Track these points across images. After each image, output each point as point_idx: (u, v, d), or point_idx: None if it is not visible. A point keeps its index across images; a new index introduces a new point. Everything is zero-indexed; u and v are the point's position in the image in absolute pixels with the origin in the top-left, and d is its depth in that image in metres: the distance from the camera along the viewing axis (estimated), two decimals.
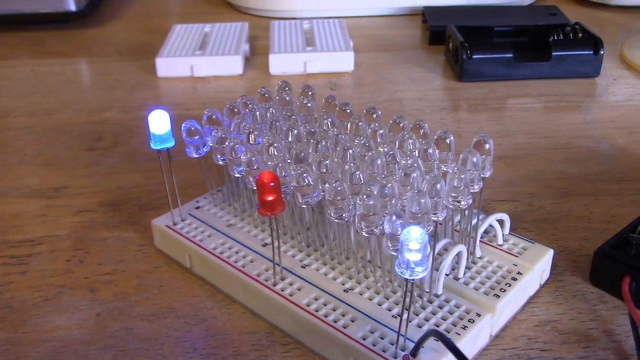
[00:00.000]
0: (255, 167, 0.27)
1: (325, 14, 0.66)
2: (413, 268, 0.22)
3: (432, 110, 0.47)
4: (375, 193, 0.25)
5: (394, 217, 0.23)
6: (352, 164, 0.26)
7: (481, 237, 0.30)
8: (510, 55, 0.50)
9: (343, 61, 0.53)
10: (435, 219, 0.25)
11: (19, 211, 0.37)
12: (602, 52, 0.50)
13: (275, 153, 0.28)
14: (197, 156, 0.30)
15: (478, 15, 0.61)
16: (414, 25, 0.64)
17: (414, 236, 0.22)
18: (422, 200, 0.24)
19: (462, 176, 0.25)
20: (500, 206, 0.36)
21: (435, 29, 0.58)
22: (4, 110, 0.49)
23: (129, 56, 0.58)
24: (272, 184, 0.25)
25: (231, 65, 0.53)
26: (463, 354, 0.21)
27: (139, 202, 0.37)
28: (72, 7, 0.62)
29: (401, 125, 0.29)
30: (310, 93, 0.32)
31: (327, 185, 0.26)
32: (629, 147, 0.42)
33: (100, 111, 0.48)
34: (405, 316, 0.25)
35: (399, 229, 0.23)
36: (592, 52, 0.50)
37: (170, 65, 0.52)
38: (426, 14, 0.62)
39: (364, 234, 0.25)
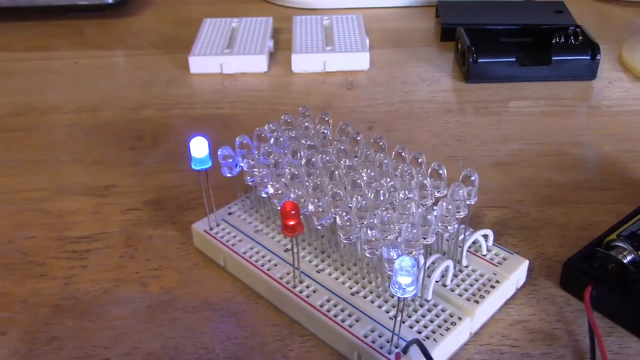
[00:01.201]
0: (280, 192, 0.33)
1: (344, 5, 0.70)
2: (404, 288, 0.28)
3: (439, 112, 0.52)
4: (377, 223, 0.30)
5: (390, 247, 0.29)
6: (359, 197, 0.31)
7: (469, 248, 0.36)
8: (514, 59, 0.55)
9: (359, 60, 0.58)
10: (426, 242, 0.30)
11: (75, 208, 0.43)
12: (598, 58, 0.54)
13: (297, 181, 0.33)
14: (230, 175, 0.36)
15: (488, 10, 0.64)
16: (428, 19, 0.68)
17: (405, 265, 0.27)
18: (415, 231, 0.29)
19: (449, 207, 0.31)
20: (491, 212, 0.41)
21: (446, 26, 0.62)
22: (53, 106, 0.54)
23: (162, 49, 0.63)
24: (293, 212, 0.31)
25: (257, 63, 0.58)
26: None
27: (178, 201, 0.43)
28: None
29: (402, 154, 0.35)
30: (326, 119, 0.38)
31: (338, 209, 0.32)
32: (613, 155, 0.47)
33: (140, 109, 0.54)
34: (399, 319, 0.30)
35: (395, 255, 0.29)
36: (589, 58, 0.55)
37: (201, 63, 0.58)
38: (439, 8, 0.66)
39: (367, 255, 0.30)
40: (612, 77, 0.56)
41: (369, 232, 0.29)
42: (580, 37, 0.57)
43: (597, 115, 0.51)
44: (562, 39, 0.57)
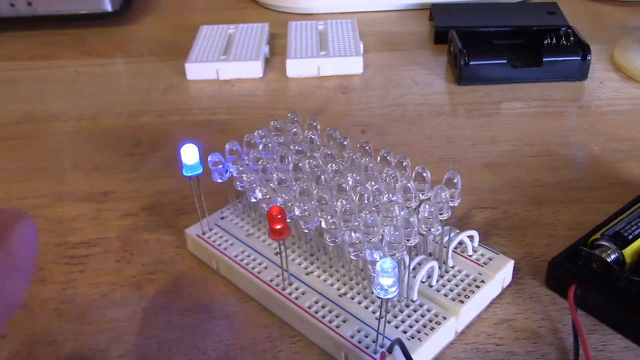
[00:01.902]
0: (268, 196, 0.34)
1: (339, 9, 0.71)
2: (386, 289, 0.29)
3: (431, 115, 0.53)
4: (360, 226, 0.31)
5: (373, 250, 0.29)
6: (344, 200, 0.32)
7: (455, 248, 0.36)
8: (505, 60, 0.56)
9: (353, 65, 0.59)
10: (409, 244, 0.31)
11: (75, 214, 0.44)
12: (589, 58, 0.55)
13: (285, 186, 0.34)
14: (220, 181, 0.37)
15: (482, 12, 0.65)
16: (422, 22, 0.69)
17: (385, 267, 0.28)
18: (397, 233, 0.30)
19: (432, 209, 0.32)
20: (479, 213, 0.42)
21: (440, 29, 0.63)
22: (55, 114, 0.56)
23: (161, 56, 0.64)
24: (279, 216, 0.32)
25: (252, 69, 0.59)
26: None
27: (174, 206, 0.44)
28: (109, 7, 0.68)
29: (388, 158, 0.35)
30: (314, 124, 0.38)
31: (324, 213, 0.33)
32: (602, 155, 0.47)
33: (138, 115, 0.55)
34: (383, 320, 0.31)
35: (378, 257, 0.30)
36: (580, 58, 0.55)
37: (198, 69, 0.59)
38: (433, 11, 0.66)
39: (352, 257, 0.31)
40: (603, 77, 0.57)
41: (352, 234, 0.30)
42: (571, 38, 0.57)
43: (588, 115, 0.52)
44: (554, 40, 0.58)
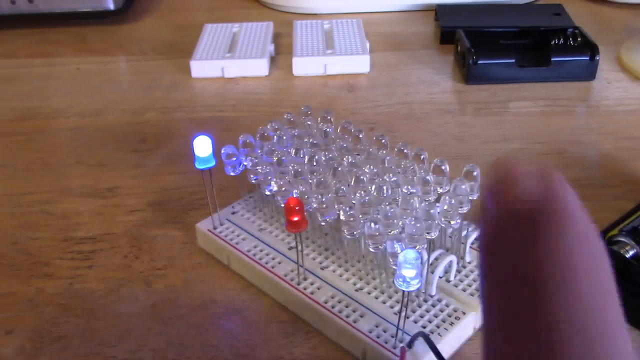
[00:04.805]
0: (284, 188, 0.33)
1: (344, 10, 0.71)
2: (409, 282, 0.28)
3: (439, 113, 0.52)
4: (380, 217, 0.30)
5: (394, 241, 0.29)
6: (362, 192, 0.31)
7: (472, 243, 0.36)
8: (513, 60, 0.55)
9: (360, 63, 0.58)
10: (430, 237, 0.31)
11: (79, 210, 0.43)
12: (597, 58, 0.55)
13: (301, 178, 0.33)
14: (233, 174, 0.36)
15: (487, 13, 0.65)
16: (427, 23, 0.69)
17: (409, 258, 0.27)
18: (418, 225, 0.29)
19: (452, 202, 0.31)
20: None
21: (446, 29, 0.63)
22: (57, 111, 0.55)
23: (164, 54, 0.64)
24: (297, 208, 0.31)
25: (258, 67, 0.58)
26: (442, 354, 0.28)
27: (181, 202, 0.43)
28: (111, 5, 0.67)
29: (404, 151, 0.35)
30: (328, 117, 0.38)
31: (342, 205, 0.32)
32: (613, 153, 0.47)
33: (142, 112, 0.54)
34: (403, 314, 0.30)
35: (399, 249, 0.29)
36: (588, 58, 0.55)
37: (203, 67, 0.58)
38: (438, 12, 0.66)
39: (371, 249, 0.31)
40: (611, 77, 0.57)
41: (372, 225, 0.30)
42: (579, 39, 0.57)
43: (597, 114, 0.52)
44: (561, 41, 0.57)
